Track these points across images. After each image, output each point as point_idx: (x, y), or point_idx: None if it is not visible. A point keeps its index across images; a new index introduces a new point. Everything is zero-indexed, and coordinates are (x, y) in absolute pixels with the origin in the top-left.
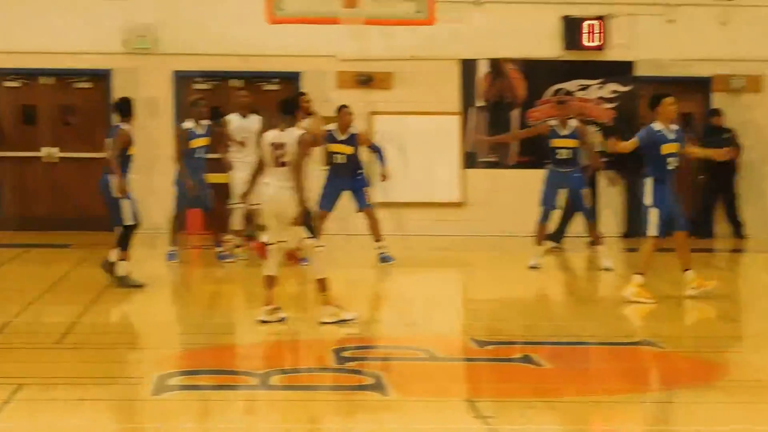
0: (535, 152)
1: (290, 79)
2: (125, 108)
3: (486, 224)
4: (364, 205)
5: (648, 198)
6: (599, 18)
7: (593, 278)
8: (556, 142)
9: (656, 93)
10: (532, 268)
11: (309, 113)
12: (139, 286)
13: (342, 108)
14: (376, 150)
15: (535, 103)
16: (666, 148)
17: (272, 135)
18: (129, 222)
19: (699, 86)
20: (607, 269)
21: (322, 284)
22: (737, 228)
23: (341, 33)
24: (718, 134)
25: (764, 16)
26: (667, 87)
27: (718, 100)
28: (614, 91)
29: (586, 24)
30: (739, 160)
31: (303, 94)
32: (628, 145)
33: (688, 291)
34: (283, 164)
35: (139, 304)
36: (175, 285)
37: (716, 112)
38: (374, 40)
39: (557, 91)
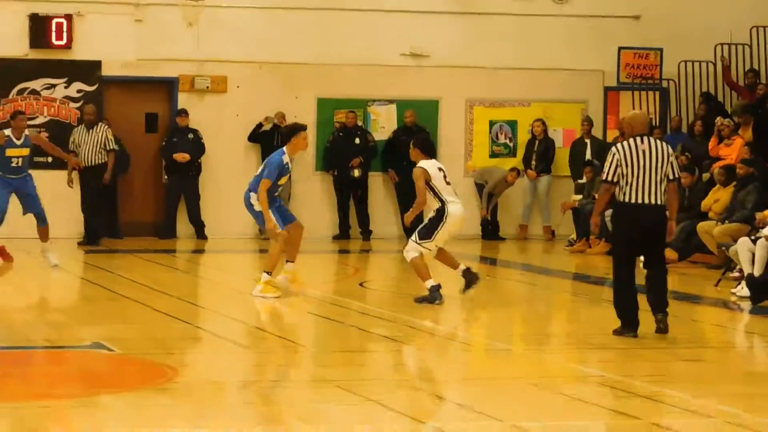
0: None
1: None
2: None
3: None
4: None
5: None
6: (66, 16)
7: (48, 279)
8: (11, 152)
9: (294, 124)
10: None
11: None
12: None
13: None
14: None
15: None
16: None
17: None
18: None
19: (165, 86)
20: (55, 266)
21: None
22: (199, 229)
23: None
24: (183, 134)
25: (229, 17)
26: (134, 87)
27: (184, 100)
28: (80, 91)
29: (54, 22)
30: (203, 161)
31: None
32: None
33: (279, 278)
34: None
35: None
36: None
37: (182, 113)
38: None
39: (22, 90)
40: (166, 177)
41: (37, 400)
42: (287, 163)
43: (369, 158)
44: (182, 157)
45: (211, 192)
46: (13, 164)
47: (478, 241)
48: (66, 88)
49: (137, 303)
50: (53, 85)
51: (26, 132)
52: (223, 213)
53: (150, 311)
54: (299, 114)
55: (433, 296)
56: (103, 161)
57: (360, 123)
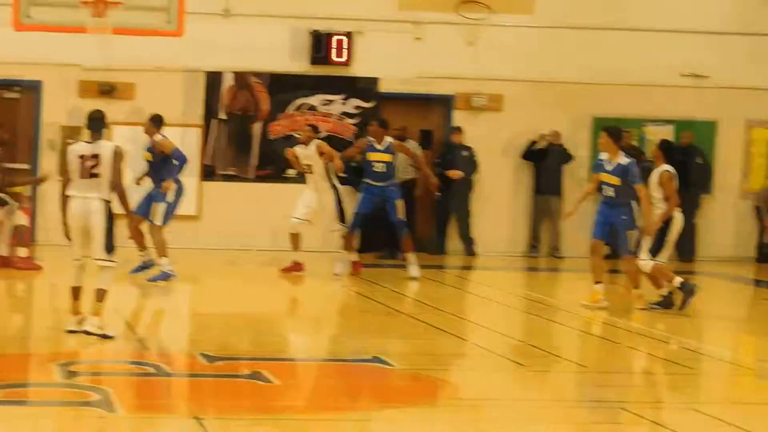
0: (273, 166)
1: (31, 87)
2: None
3: (221, 237)
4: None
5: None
6: (347, 34)
7: (325, 292)
8: (371, 156)
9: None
10: (337, 275)
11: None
12: None
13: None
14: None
15: (277, 116)
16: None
17: (81, 147)
18: None
19: (441, 103)
20: (413, 278)
21: (101, 295)
22: (468, 245)
23: (85, 42)
24: (457, 151)
25: (506, 36)
26: (410, 104)
27: (458, 117)
28: (357, 107)
29: (334, 39)
30: (476, 178)
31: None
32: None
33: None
34: (93, 176)
35: None
36: None
37: (457, 130)
38: (118, 50)
39: (300, 106)
40: (438, 193)
41: (315, 413)
42: (600, 160)
43: None
44: (456, 174)
45: (481, 209)
46: (377, 169)
47: (752, 264)
48: (343, 104)
49: (410, 318)
50: (331, 101)
51: (389, 140)
52: (492, 230)
53: (423, 326)
54: (573, 133)
55: (689, 289)
56: (410, 177)
57: (636, 143)
